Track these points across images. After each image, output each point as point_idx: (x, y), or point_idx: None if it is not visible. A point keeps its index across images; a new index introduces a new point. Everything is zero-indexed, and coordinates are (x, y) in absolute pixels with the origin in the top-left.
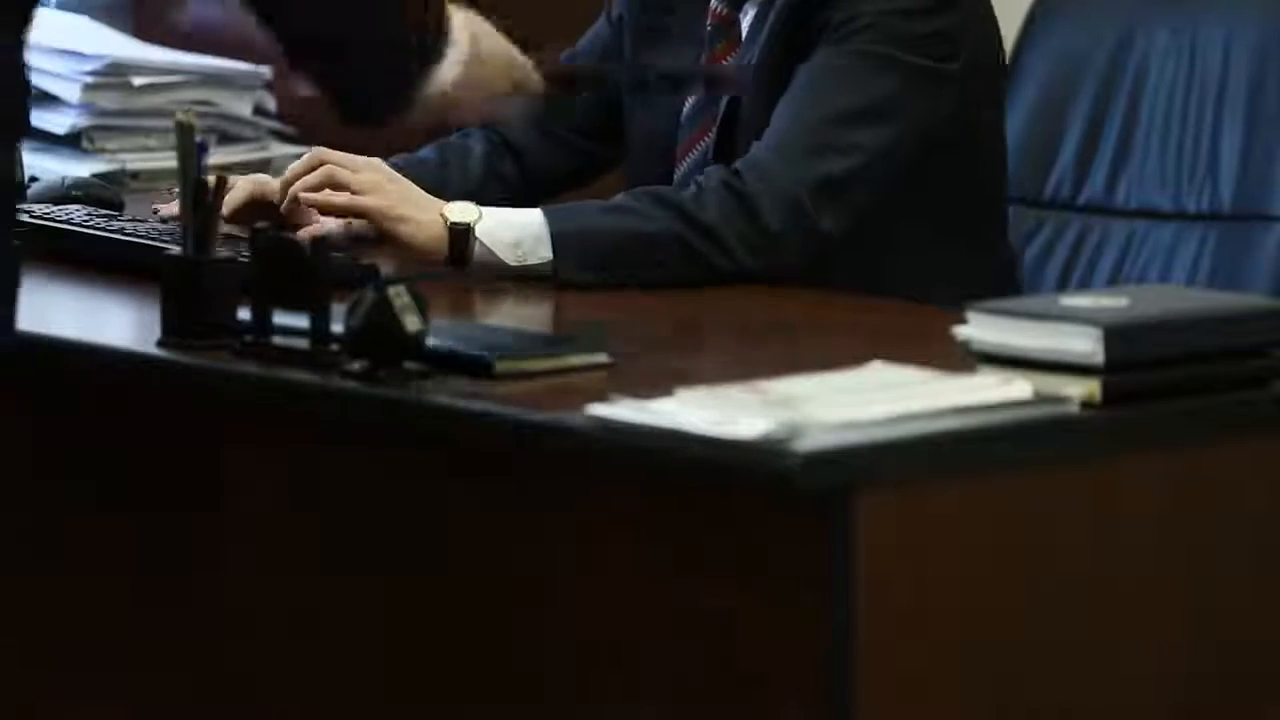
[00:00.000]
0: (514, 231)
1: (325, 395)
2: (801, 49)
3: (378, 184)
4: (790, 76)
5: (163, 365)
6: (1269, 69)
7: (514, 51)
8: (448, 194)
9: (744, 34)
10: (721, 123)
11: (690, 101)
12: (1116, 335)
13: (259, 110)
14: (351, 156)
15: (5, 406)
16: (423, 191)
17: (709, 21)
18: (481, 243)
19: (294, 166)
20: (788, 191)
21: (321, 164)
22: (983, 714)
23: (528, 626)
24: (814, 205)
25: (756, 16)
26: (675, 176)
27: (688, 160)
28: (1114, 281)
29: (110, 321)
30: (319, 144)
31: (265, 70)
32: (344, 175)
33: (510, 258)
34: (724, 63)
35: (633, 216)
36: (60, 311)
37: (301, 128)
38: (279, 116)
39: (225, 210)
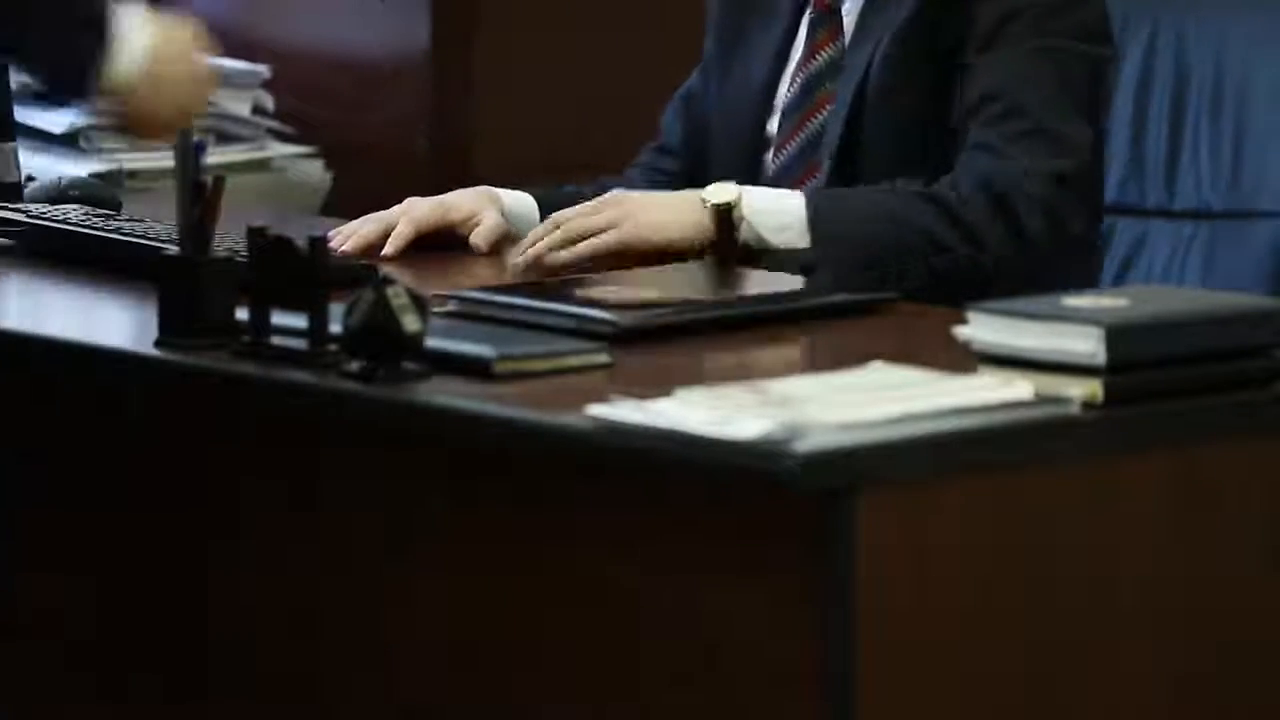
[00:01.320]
0: (779, 216)
1: (323, 395)
2: (942, 43)
3: (616, 218)
4: (925, 69)
5: (160, 365)
6: (1259, 67)
7: (201, 65)
8: None
9: (846, 23)
10: (850, 115)
11: (790, 91)
12: (1118, 335)
13: (257, 109)
14: (582, 205)
15: (4, 407)
16: (665, 191)
17: (810, 9)
18: (748, 223)
19: (534, 233)
20: (1040, 194)
21: (558, 226)
22: (983, 714)
23: (527, 626)
24: (1063, 206)
25: (871, 7)
26: (773, 165)
27: (789, 149)
28: (1119, 283)
29: (108, 322)
30: (318, 143)
31: (264, 69)
32: (580, 225)
33: (777, 240)
34: (825, 50)
35: (895, 212)
36: (57, 311)
37: (300, 127)
38: (277, 116)
39: (391, 250)
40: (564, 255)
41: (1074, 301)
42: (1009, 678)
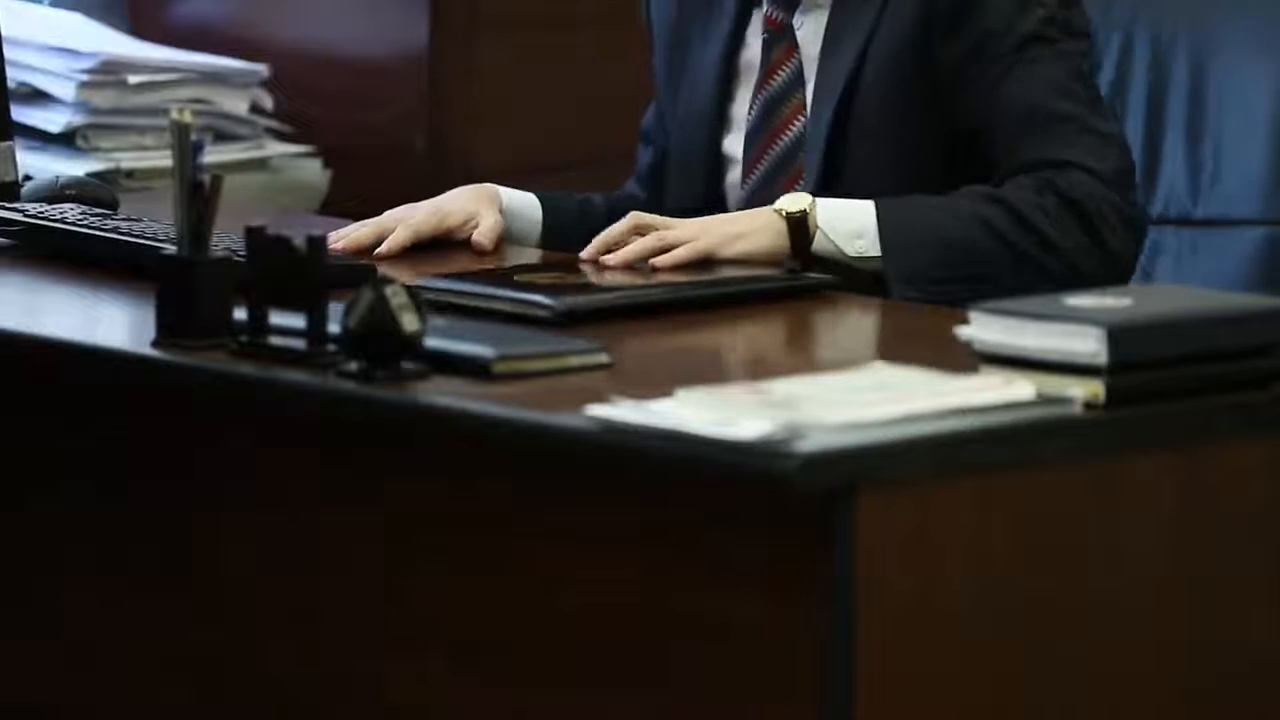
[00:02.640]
0: (853, 223)
1: (322, 396)
2: (946, 54)
3: (696, 230)
4: (923, 79)
5: (158, 365)
6: (1237, 72)
7: None
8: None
9: (800, 37)
10: (834, 124)
11: (752, 114)
12: (1120, 335)
13: (256, 108)
14: (660, 219)
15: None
16: (739, 211)
17: (762, 30)
18: (822, 232)
19: (611, 231)
20: (1110, 199)
21: (637, 226)
22: (983, 714)
23: (527, 626)
24: (1130, 205)
25: (839, 18)
26: (743, 187)
27: (760, 169)
28: None
29: (105, 321)
30: (317, 142)
31: (262, 68)
32: (667, 235)
33: (850, 249)
34: (784, 68)
35: (968, 221)
36: (54, 311)
37: (299, 126)
38: (276, 115)
39: (385, 250)
40: (655, 261)
41: (1075, 301)
42: (1009, 678)
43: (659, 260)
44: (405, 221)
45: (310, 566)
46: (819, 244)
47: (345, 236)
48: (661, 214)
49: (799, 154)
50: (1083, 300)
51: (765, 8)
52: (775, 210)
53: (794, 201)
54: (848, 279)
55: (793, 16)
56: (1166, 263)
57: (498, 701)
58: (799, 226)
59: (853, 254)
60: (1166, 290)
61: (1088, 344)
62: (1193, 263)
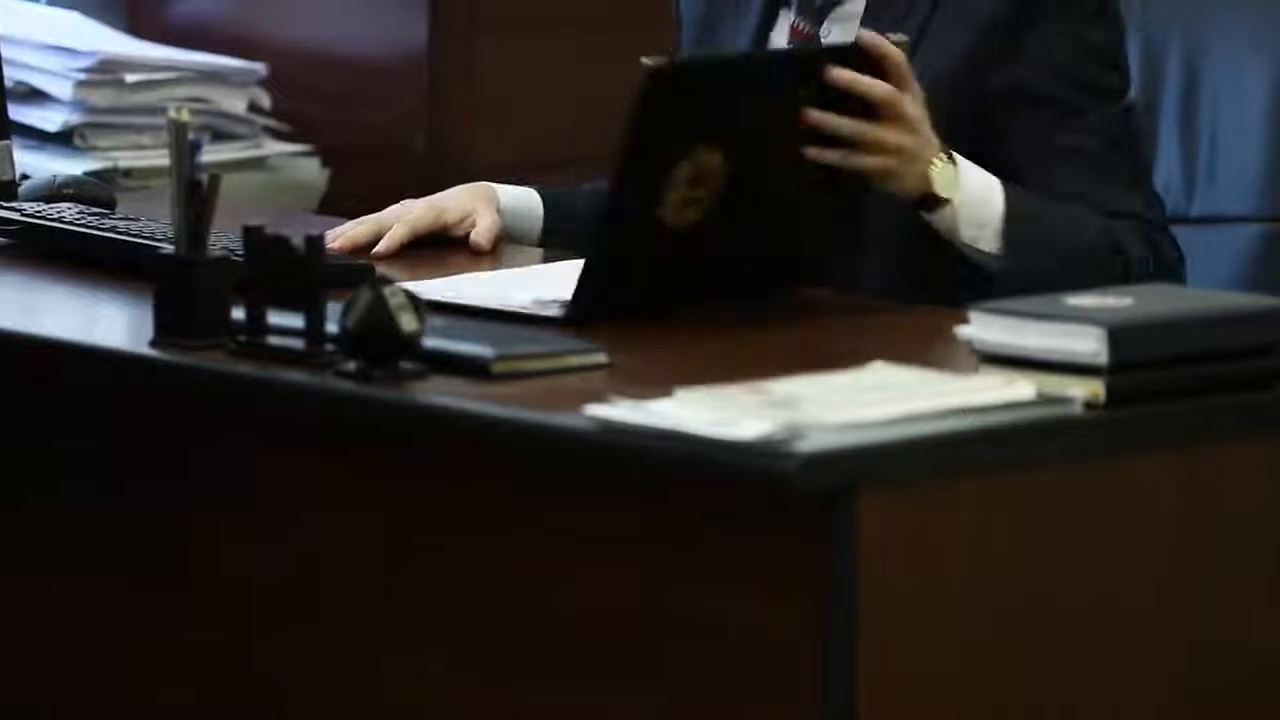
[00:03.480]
0: (982, 210)
1: (320, 396)
2: (991, 86)
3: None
4: (969, 113)
5: (156, 365)
6: (1232, 68)
7: None
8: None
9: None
10: None
11: None
12: (1121, 335)
13: (254, 107)
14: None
15: None
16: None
17: (789, 40)
18: (952, 208)
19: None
20: (1168, 245)
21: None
22: (983, 714)
23: (527, 626)
24: (1172, 257)
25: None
26: None
27: None
28: None
29: (103, 321)
30: (315, 141)
31: (260, 67)
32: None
33: (966, 235)
34: None
35: (1084, 238)
36: (52, 311)
37: (297, 125)
38: (274, 114)
39: (384, 248)
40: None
41: (1076, 301)
42: (1010, 678)
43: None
44: (403, 218)
45: (310, 566)
46: (943, 219)
47: (343, 234)
48: None
49: None
50: (1083, 300)
51: (792, 16)
52: (941, 157)
53: (945, 183)
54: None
55: (820, 26)
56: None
57: (498, 701)
58: (932, 203)
59: (966, 239)
60: (1167, 290)
61: (1088, 344)
62: (1188, 261)
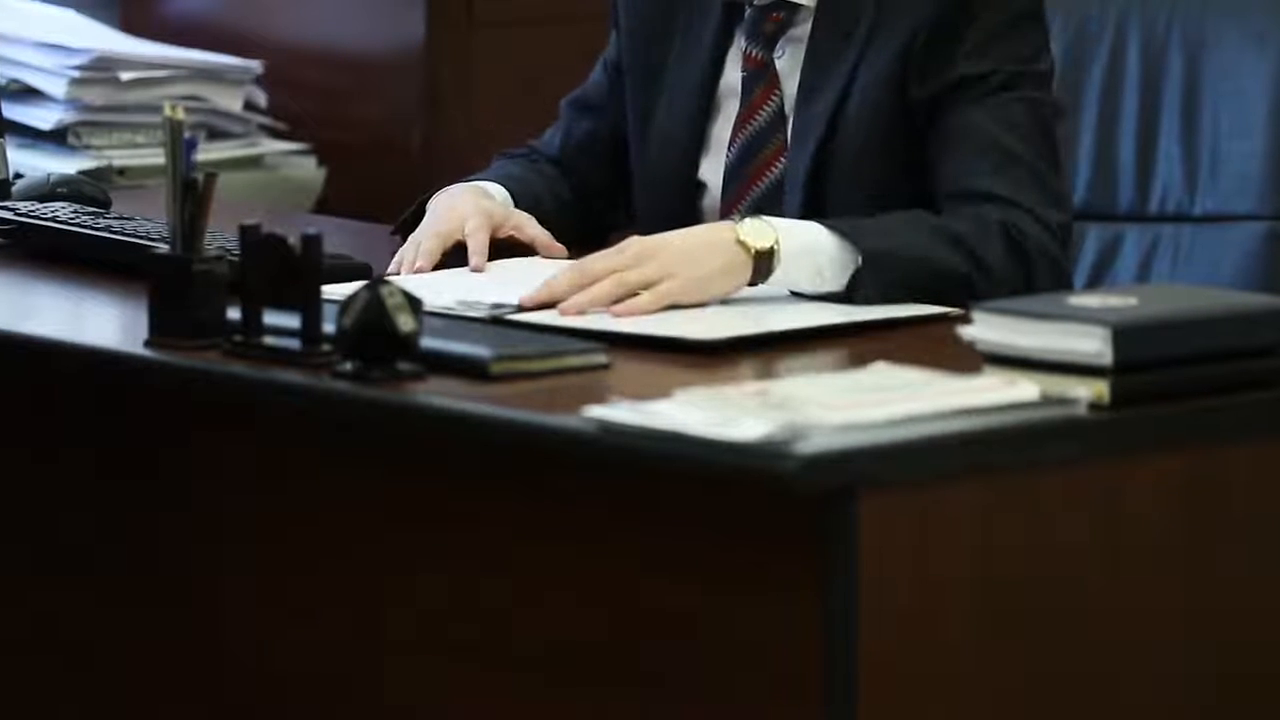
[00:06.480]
0: (818, 258)
1: (317, 396)
2: (923, 91)
3: (654, 274)
4: (903, 119)
5: (151, 365)
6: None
7: None
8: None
9: (780, 71)
10: (813, 168)
11: (731, 152)
12: (1125, 335)
13: (249, 105)
14: (611, 253)
15: None
16: (687, 236)
17: (742, 68)
18: (783, 270)
19: (557, 284)
20: (1052, 251)
21: (584, 274)
22: (983, 715)
23: (526, 627)
24: (1065, 268)
25: (813, 60)
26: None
27: (742, 208)
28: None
29: (97, 321)
30: (311, 140)
31: (256, 65)
32: (617, 282)
33: (809, 286)
34: (765, 107)
35: (930, 252)
36: (46, 311)
37: (293, 123)
38: (270, 112)
39: (426, 263)
40: (616, 310)
41: (1080, 301)
42: (1011, 679)
43: (619, 309)
44: (421, 250)
45: (309, 566)
46: (777, 279)
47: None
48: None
49: (780, 195)
50: (1087, 300)
51: (744, 43)
52: (740, 242)
53: (760, 235)
54: None
55: (772, 52)
56: (1164, 260)
57: (498, 701)
58: (764, 263)
59: (810, 290)
60: (1171, 290)
61: (1092, 344)
62: (1190, 259)
